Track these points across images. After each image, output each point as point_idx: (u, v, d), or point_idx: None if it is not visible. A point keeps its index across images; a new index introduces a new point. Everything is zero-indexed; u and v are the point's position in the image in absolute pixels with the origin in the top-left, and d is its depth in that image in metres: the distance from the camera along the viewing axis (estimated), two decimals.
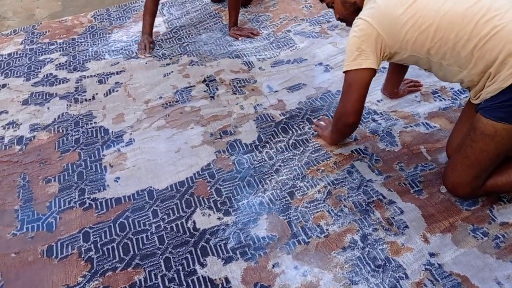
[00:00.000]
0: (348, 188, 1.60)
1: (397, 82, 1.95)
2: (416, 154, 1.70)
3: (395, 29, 1.40)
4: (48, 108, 2.14)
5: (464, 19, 1.30)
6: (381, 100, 1.97)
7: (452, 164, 1.48)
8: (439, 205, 1.51)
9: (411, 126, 1.82)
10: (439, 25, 1.34)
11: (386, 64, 1.98)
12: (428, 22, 1.35)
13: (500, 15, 1.27)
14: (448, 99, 1.93)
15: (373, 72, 1.47)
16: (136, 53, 2.49)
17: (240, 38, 2.54)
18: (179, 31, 2.68)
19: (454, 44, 1.33)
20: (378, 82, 2.06)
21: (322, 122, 1.86)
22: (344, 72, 1.51)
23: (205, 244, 1.46)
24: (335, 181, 1.63)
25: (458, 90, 1.97)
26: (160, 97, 2.14)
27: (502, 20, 1.26)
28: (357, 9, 1.53)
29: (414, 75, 2.03)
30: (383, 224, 1.46)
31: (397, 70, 1.90)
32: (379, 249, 1.39)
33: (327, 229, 1.47)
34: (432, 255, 1.36)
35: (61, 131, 1.99)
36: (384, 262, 1.35)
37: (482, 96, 1.36)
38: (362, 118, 1.85)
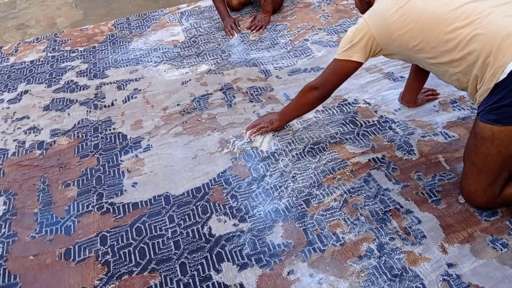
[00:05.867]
0: (364, 196, 1.59)
1: (416, 91, 1.94)
2: (434, 164, 1.68)
3: (385, 28, 1.48)
4: (68, 114, 2.18)
5: (446, 21, 1.35)
6: (399, 109, 1.96)
7: (464, 173, 1.48)
8: (457, 215, 1.49)
9: (429, 135, 1.81)
10: (422, 25, 1.40)
11: (405, 73, 1.97)
12: (413, 22, 1.42)
13: (480, 18, 1.31)
14: (467, 109, 1.91)
15: (359, 65, 1.59)
16: (155, 60, 2.53)
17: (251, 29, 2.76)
18: (197, 40, 2.71)
19: (436, 44, 1.39)
20: (396, 92, 2.05)
21: (258, 125, 1.93)
22: (335, 59, 1.63)
23: (220, 250, 1.46)
24: (351, 190, 1.62)
25: None
26: (178, 104, 2.16)
27: (481, 23, 1.30)
28: (370, 5, 1.59)
29: (432, 84, 2.02)
30: (400, 234, 1.45)
31: (416, 79, 1.89)
32: (396, 259, 1.37)
33: (343, 238, 1.46)
34: (450, 265, 1.34)
35: (80, 136, 2.02)
36: (401, 271, 1.34)
37: (477, 99, 1.39)
38: (379, 126, 1.89)
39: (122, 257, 1.47)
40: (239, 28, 2.75)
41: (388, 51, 1.55)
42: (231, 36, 2.69)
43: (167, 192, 1.69)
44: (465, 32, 1.31)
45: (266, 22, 2.76)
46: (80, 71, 2.53)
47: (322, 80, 1.70)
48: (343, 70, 1.62)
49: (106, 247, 1.51)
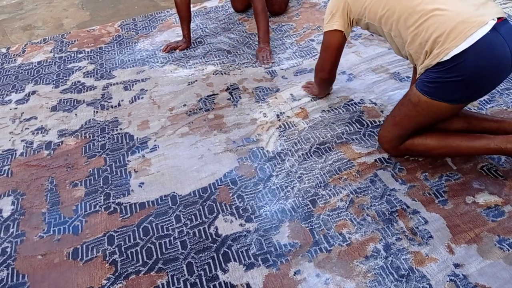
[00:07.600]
0: (371, 197, 1.59)
1: None
2: (441, 164, 1.68)
3: None
4: (75, 114, 2.20)
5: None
6: None
7: (384, 121, 1.70)
8: (464, 215, 1.48)
9: None
10: None
11: (411, 73, 1.96)
12: None
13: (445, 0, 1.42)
14: (474, 109, 1.91)
15: (342, 35, 1.72)
16: (161, 61, 2.54)
17: (263, 62, 2.43)
18: (203, 41, 2.72)
19: (399, 16, 1.49)
20: (402, 92, 2.05)
21: (309, 85, 2.16)
22: (324, 33, 1.77)
23: (227, 250, 1.47)
24: (357, 190, 1.62)
25: (484, 100, 1.94)
26: (184, 105, 2.17)
27: (445, 4, 1.40)
28: None
29: None
30: (406, 234, 1.45)
31: None
32: (403, 259, 1.37)
33: (349, 238, 1.46)
34: (457, 266, 1.34)
35: (88, 137, 2.04)
36: (407, 272, 1.34)
37: (419, 71, 1.52)
38: None
39: (129, 256, 1.48)
40: (177, 50, 2.64)
41: (358, 20, 1.66)
42: (163, 50, 2.64)
43: (174, 192, 1.70)
44: (427, 9, 1.42)
45: (269, 51, 2.46)
46: (87, 71, 2.54)
47: (319, 62, 1.87)
48: (331, 43, 1.75)
49: (113, 246, 1.52)
